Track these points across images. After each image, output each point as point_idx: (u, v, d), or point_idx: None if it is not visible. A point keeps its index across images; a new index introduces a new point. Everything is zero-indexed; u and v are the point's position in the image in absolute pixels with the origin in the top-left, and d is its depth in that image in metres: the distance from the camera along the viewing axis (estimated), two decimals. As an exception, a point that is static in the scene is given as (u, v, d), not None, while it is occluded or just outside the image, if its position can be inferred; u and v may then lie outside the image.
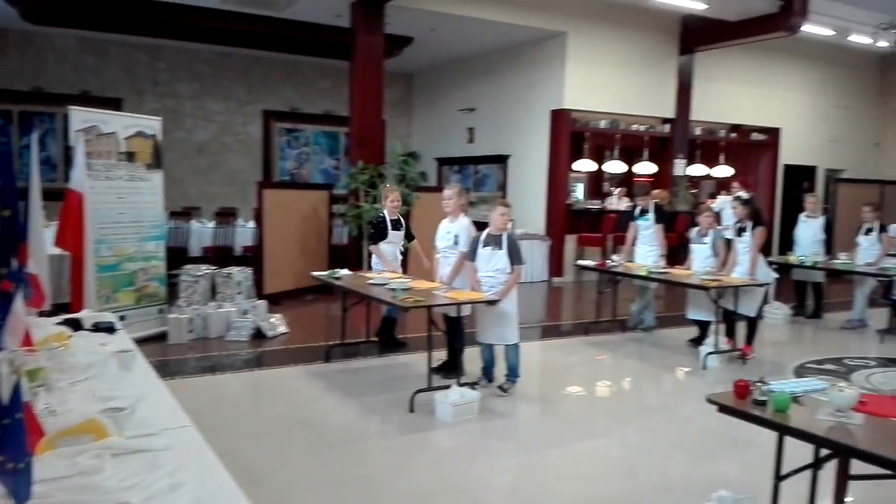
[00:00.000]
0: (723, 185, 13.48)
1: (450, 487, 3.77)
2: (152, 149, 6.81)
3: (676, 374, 6.31)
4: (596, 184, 13.49)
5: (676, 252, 9.73)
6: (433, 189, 10.27)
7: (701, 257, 7.10)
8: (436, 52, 12.83)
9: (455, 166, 14.08)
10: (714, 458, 4.32)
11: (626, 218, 8.02)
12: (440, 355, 5.83)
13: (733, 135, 13.44)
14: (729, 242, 7.08)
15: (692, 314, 6.97)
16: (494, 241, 5.27)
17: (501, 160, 12.64)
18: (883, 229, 8.26)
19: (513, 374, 5.38)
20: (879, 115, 14.54)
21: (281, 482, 3.77)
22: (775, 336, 7.98)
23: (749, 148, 13.72)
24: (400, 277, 5.79)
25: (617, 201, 12.46)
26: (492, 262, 5.24)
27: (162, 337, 6.69)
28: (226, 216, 10.37)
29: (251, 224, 10.26)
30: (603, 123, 11.96)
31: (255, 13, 10.32)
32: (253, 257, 9.24)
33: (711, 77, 12.49)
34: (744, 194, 8.45)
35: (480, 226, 5.51)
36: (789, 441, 2.59)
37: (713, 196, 13.22)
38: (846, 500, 3.13)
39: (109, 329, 3.24)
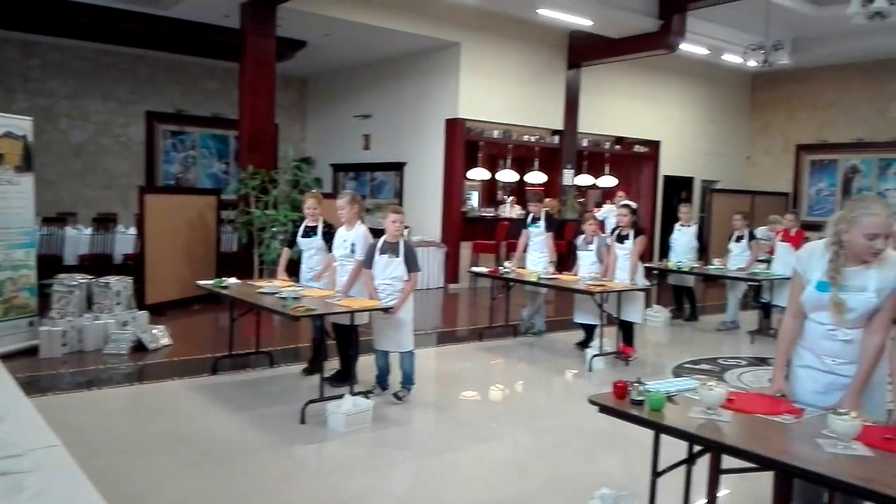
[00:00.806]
0: (608, 195, 14.09)
1: (341, 498, 3.72)
2: (22, 150, 6.34)
3: (564, 377, 6.51)
4: (490, 192, 13.77)
5: (566, 258, 10.10)
6: (328, 196, 10.12)
7: (587, 263, 7.37)
8: (330, 57, 12.70)
9: (351, 173, 13.98)
10: (599, 457, 4.49)
11: (519, 225, 8.22)
12: (334, 364, 5.78)
13: (617, 147, 14.08)
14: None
15: (578, 318, 7.23)
16: (391, 249, 5.26)
17: (398, 167, 12.67)
18: (752, 236, 8.87)
19: (408, 381, 5.37)
20: (750, 130, 15.64)
21: (165, 502, 3.59)
22: (656, 338, 8.39)
23: (632, 159, 14.41)
24: (292, 286, 5.67)
25: (510, 209, 12.76)
26: (388, 270, 5.23)
27: (33, 351, 6.24)
28: (105, 222, 9.84)
29: (132, 231, 9.76)
30: (496, 133, 12.22)
31: (139, 10, 9.86)
32: (134, 266, 8.79)
33: (597, 91, 13.03)
34: (631, 203, 8.86)
35: (378, 233, 5.48)
36: (667, 439, 2.71)
37: (599, 205, 13.80)
38: (720, 493, 3.33)
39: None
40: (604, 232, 8.84)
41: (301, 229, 5.98)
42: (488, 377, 6.55)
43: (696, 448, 2.88)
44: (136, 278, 7.68)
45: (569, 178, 12.95)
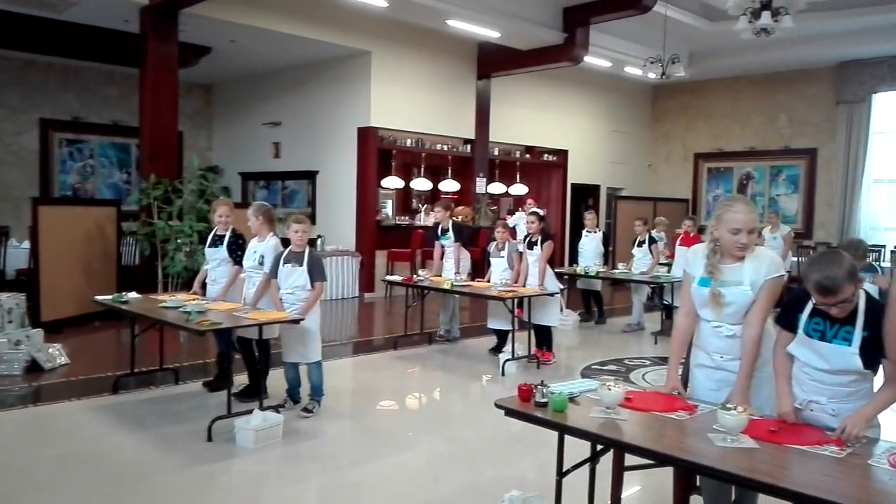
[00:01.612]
0: (519, 203, 14.38)
1: (250, 516, 3.63)
2: None
3: (479, 383, 6.59)
4: (405, 200, 13.79)
5: (480, 265, 10.23)
6: (238, 205, 9.88)
7: (499, 270, 7.50)
8: (237, 64, 12.43)
9: (261, 182, 13.69)
10: (512, 460, 4.56)
11: (433, 234, 8.28)
12: (243, 379, 5.64)
13: (527, 156, 14.40)
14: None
15: (491, 324, 7.35)
16: (295, 259, 5.19)
17: (310, 176, 12.51)
18: (653, 241, 9.25)
19: (316, 393, 5.30)
20: (651, 140, 16.32)
21: (56, 530, 3.40)
22: (566, 341, 8.60)
23: (541, 168, 14.77)
24: (198, 299, 5.50)
25: (425, 217, 12.82)
26: (291, 279, 5.15)
27: (-89, 376, 5.80)
28: (-6, 236, 9.25)
29: (26, 244, 9.21)
30: (409, 142, 12.27)
31: (31, 13, 9.35)
32: (28, 281, 8.30)
33: (507, 101, 13.29)
34: (539, 210, 9.08)
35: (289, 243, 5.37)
36: (577, 439, 2.79)
37: (511, 212, 14.06)
38: (631, 490, 3.45)
39: None
40: (516, 239, 9.03)
41: (209, 238, 5.81)
42: (404, 386, 6.55)
43: (599, 447, 2.98)
44: (31, 294, 7.26)
45: (481, 186, 13.14)
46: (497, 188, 14.09)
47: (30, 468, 4.14)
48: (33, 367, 6.22)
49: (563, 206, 14.78)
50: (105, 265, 8.71)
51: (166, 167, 9.06)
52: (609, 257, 10.08)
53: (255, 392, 5.16)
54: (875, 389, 2.64)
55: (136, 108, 9.64)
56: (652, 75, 11.09)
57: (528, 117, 13.85)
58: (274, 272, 5.19)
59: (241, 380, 5.64)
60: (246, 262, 5.48)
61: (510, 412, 2.90)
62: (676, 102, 15.73)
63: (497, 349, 7.30)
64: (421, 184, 13.06)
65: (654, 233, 9.98)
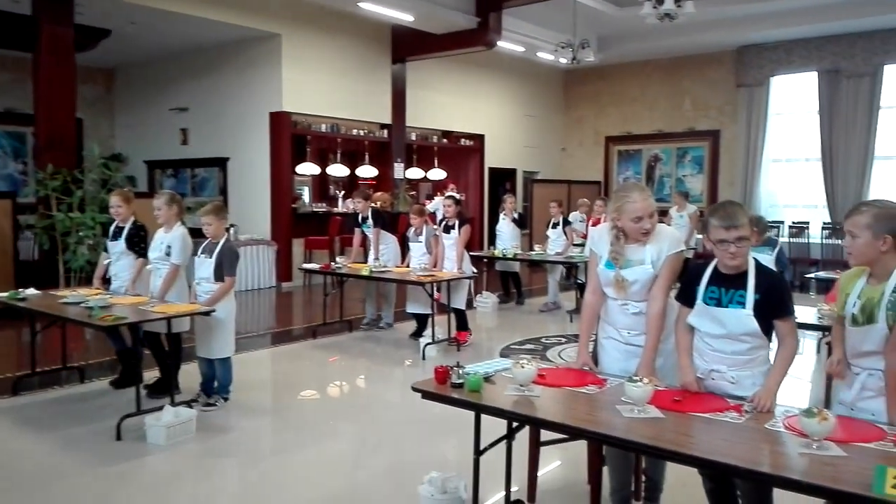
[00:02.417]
0: (439, 187, 14.42)
1: (164, 514, 3.51)
2: None
3: (400, 368, 6.59)
4: (321, 187, 13.58)
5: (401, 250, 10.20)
6: (143, 195, 9.49)
7: (417, 254, 7.52)
8: (140, 47, 11.87)
9: (169, 170, 13.18)
10: (433, 442, 4.59)
11: (353, 221, 8.21)
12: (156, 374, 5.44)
13: (445, 140, 14.43)
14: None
15: (411, 308, 7.37)
16: (209, 249, 5.03)
17: (221, 163, 12.13)
18: (567, 222, 9.47)
19: (223, 390, 5.15)
20: (564, 124, 16.65)
21: (-50, 543, 3.20)
22: (486, 322, 8.73)
23: (459, 152, 14.83)
24: (100, 293, 5.25)
25: (343, 204, 12.67)
26: (200, 270, 5.00)
27: None
28: None
29: None
30: (324, 127, 12.07)
31: None
32: (-87, 281, 7.72)
33: (423, 86, 13.25)
34: (456, 194, 9.13)
35: (200, 233, 5.19)
36: (495, 419, 2.82)
37: (430, 197, 14.10)
38: (551, 465, 3.54)
39: None
40: (436, 223, 9.05)
41: (110, 231, 5.55)
42: (324, 375, 6.48)
43: (515, 424, 3.03)
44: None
45: (399, 171, 13.09)
46: (415, 173, 14.07)
47: (-81, 479, 3.87)
48: (-79, 372, 5.81)
49: (481, 190, 14.91)
50: (1, 261, 8.20)
51: (65, 156, 8.59)
52: (526, 239, 10.26)
53: (166, 387, 4.98)
54: (771, 359, 2.79)
55: (31, 95, 9.07)
56: (563, 60, 11.28)
57: (445, 102, 13.86)
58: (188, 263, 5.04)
59: (152, 374, 5.43)
60: (152, 254, 5.27)
61: (427, 395, 2.92)
62: (587, 87, 16.08)
63: (417, 333, 7.32)
64: (338, 170, 12.89)
65: (574, 215, 10.24)
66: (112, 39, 10.81)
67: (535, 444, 3.50)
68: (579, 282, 9.17)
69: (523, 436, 3.29)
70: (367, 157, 13.13)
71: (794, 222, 13.26)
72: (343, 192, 13.01)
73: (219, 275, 4.96)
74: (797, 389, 5.38)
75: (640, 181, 15.27)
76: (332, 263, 7.78)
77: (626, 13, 11.78)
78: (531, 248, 10.05)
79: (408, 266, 7.56)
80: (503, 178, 15.42)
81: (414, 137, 13.67)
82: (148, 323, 4.65)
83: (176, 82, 12.64)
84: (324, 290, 7.98)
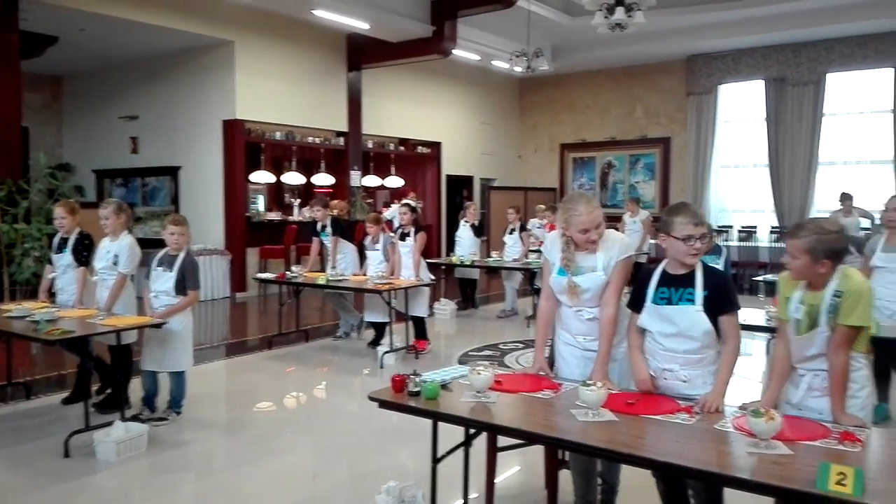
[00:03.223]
0: (396, 195, 14.40)
1: (114, 533, 3.42)
2: None
3: (358, 377, 6.55)
4: (276, 195, 13.43)
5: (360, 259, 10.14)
6: (92, 205, 9.26)
7: (375, 262, 7.49)
8: (89, 54, 11.60)
9: (119, 179, 12.88)
10: (391, 451, 4.57)
11: (310, 230, 8.13)
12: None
13: (401, 148, 14.43)
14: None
15: (368, 317, 7.32)
16: (168, 262, 4.92)
17: (172, 172, 11.91)
18: (523, 228, 9.55)
19: (176, 402, 5.02)
20: (520, 131, 16.81)
21: None
22: (445, 329, 8.74)
23: (416, 160, 14.85)
24: (47, 307, 5.10)
25: (299, 212, 12.55)
26: (158, 283, 4.88)
27: None
28: None
29: None
30: (279, 135, 11.95)
31: None
32: None
33: (380, 93, 13.24)
34: (412, 202, 9.12)
35: (152, 243, 5.08)
36: (451, 426, 2.82)
37: (387, 205, 14.06)
38: (510, 471, 3.54)
39: None
40: (393, 231, 9.02)
41: (54, 243, 5.40)
42: (281, 386, 6.39)
43: (472, 431, 3.04)
44: None
45: (356, 179, 13.03)
46: (372, 181, 14.03)
47: None
48: None
49: (439, 198, 14.94)
50: (-60, 275, 7.91)
51: (9, 166, 8.33)
52: (484, 246, 10.33)
53: (115, 402, 4.85)
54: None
55: (-28, 102, 8.78)
56: (518, 69, 11.40)
57: (402, 110, 13.87)
58: (147, 272, 4.93)
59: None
60: (98, 264, 5.13)
61: (384, 404, 2.90)
62: (542, 95, 16.27)
63: (375, 342, 7.29)
64: (293, 178, 12.76)
65: (533, 221, 10.33)
66: (59, 46, 10.55)
67: (493, 450, 3.50)
68: (537, 287, 9.25)
69: (482, 442, 3.30)
70: (322, 164, 13.05)
71: (742, 226, 13.61)
72: (299, 201, 12.89)
73: (181, 288, 4.86)
74: (747, 390, 5.51)
75: (594, 188, 15.51)
76: (288, 273, 7.68)
77: (579, 23, 11.98)
78: (488, 255, 10.11)
79: (365, 274, 7.52)
80: (460, 186, 15.48)
81: (370, 145, 13.64)
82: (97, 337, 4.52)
83: (126, 90, 12.38)
84: (279, 300, 7.88)
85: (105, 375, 5.28)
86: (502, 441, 3.49)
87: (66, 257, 5.24)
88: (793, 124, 12.97)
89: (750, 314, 4.57)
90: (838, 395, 2.53)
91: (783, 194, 13.13)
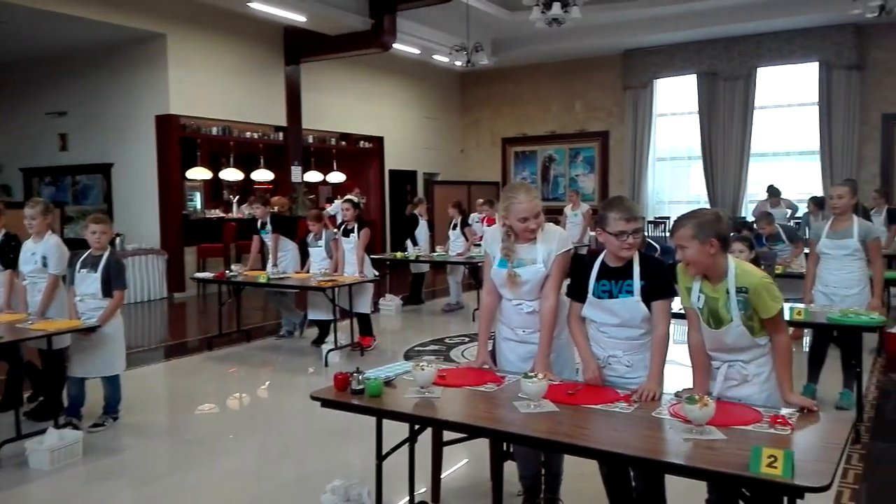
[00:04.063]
0: (338, 191, 14.27)
1: (47, 546, 3.29)
2: None
3: (303, 376, 6.47)
4: (214, 192, 13.14)
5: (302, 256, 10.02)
6: (19, 204, 8.86)
7: (318, 259, 7.40)
8: (12, 48, 11.09)
9: (47, 178, 12.38)
10: (337, 450, 4.53)
11: (251, 227, 7.98)
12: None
13: (343, 143, 14.29)
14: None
15: (312, 315, 7.24)
16: (92, 263, 4.75)
17: (104, 169, 11.51)
18: (465, 223, 9.59)
19: (111, 409, 4.87)
20: (462, 126, 16.86)
21: None
22: (391, 325, 8.71)
23: (358, 155, 14.74)
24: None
25: (238, 209, 12.31)
26: (83, 286, 4.71)
27: None
28: None
29: None
30: (215, 130, 11.69)
31: None
32: None
33: (319, 88, 13.07)
34: (354, 197, 9.05)
35: (84, 244, 4.88)
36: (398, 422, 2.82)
37: (330, 201, 13.92)
38: (454, 465, 3.56)
39: None
40: (337, 227, 8.94)
41: None
42: (223, 388, 6.25)
43: (417, 426, 3.04)
44: None
45: (297, 174, 12.85)
46: (314, 176, 13.86)
47: None
48: None
49: (382, 193, 14.86)
50: None
51: (-75, 164, 7.91)
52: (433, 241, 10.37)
53: (49, 409, 4.67)
54: None
55: None
56: (458, 63, 11.43)
57: (343, 104, 13.73)
58: (72, 277, 4.73)
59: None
60: (25, 267, 4.92)
61: (326, 403, 2.87)
62: (483, 90, 16.35)
63: (319, 340, 7.21)
64: (231, 174, 12.50)
65: (475, 214, 10.38)
66: (-22, 39, 10.07)
67: (438, 445, 3.51)
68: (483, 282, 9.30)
69: (428, 437, 3.30)
70: (262, 160, 12.82)
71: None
72: (237, 197, 12.64)
73: (107, 289, 4.70)
74: (685, 377, 5.67)
75: (536, 181, 15.69)
76: (227, 271, 7.52)
77: (518, 17, 12.06)
78: (433, 250, 10.12)
79: (307, 272, 7.43)
80: (404, 180, 15.43)
81: (311, 140, 13.46)
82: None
83: (53, 85, 11.89)
84: (219, 300, 7.71)
85: (37, 382, 5.08)
86: (448, 435, 3.50)
87: None
88: (725, 117, 13.39)
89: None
90: (786, 376, 2.62)
91: (717, 185, 13.54)
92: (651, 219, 13.86)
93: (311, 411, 5.20)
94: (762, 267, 3.53)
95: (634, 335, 2.89)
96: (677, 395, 2.72)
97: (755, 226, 7.70)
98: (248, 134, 12.16)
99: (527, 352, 3.16)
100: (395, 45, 11.73)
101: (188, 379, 6.49)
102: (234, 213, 12.19)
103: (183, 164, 11.31)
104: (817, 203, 9.19)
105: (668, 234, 13.24)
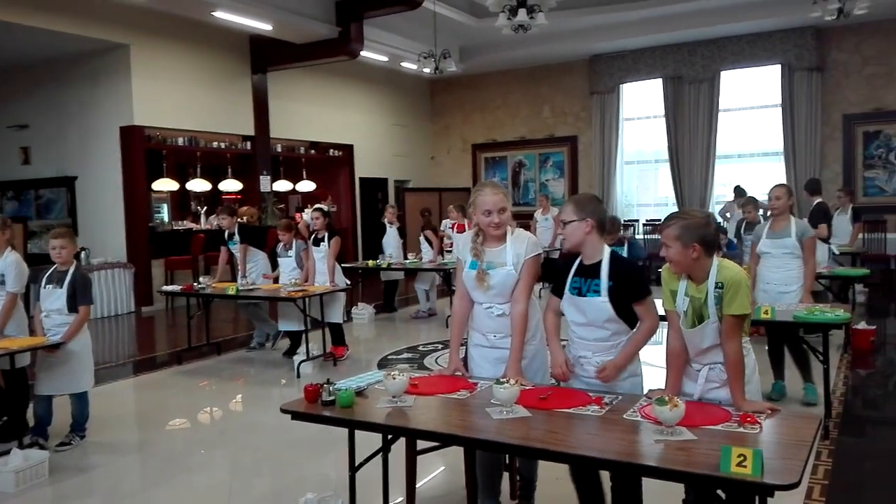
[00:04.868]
0: (308, 199, 14.15)
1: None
2: None
3: (275, 388, 6.39)
4: (181, 203, 12.96)
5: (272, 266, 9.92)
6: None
7: (287, 269, 7.33)
8: (-31, 60, 10.86)
9: (10, 192, 12.11)
10: (311, 461, 4.48)
11: (219, 238, 7.89)
12: None
13: (312, 151, 14.20)
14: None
15: (283, 326, 7.16)
16: (57, 278, 4.65)
17: (68, 182, 11.29)
18: (435, 230, 9.59)
19: (79, 428, 4.77)
20: (432, 132, 16.86)
21: None
22: (364, 334, 8.67)
23: (328, 163, 14.65)
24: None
25: (206, 220, 12.15)
26: (48, 301, 4.61)
27: None
28: None
29: None
30: (181, 141, 11.54)
31: None
32: None
33: (287, 96, 12.99)
34: (324, 206, 8.98)
35: (49, 259, 4.76)
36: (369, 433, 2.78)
37: (300, 210, 13.80)
38: (430, 473, 3.53)
39: None
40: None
41: None
42: (194, 402, 6.15)
43: (390, 436, 3.01)
44: None
45: (266, 184, 12.73)
46: (283, 185, 13.74)
47: None
48: None
49: (353, 201, 14.79)
50: None
51: None
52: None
53: (13, 429, 4.54)
54: None
55: None
56: (427, 70, 11.42)
57: (311, 112, 13.65)
58: (38, 293, 4.63)
59: None
60: (-17, 285, 4.80)
61: (297, 415, 2.83)
62: (453, 96, 16.38)
63: (291, 351, 7.13)
64: (199, 185, 12.33)
65: (446, 221, 10.38)
66: (-67, 51, 9.83)
67: (412, 454, 3.48)
68: (454, 288, 9.29)
69: (402, 446, 3.27)
70: (229, 170, 12.68)
71: (647, 220, 14.13)
72: (205, 208, 12.47)
73: (73, 305, 4.60)
74: (659, 378, 5.72)
75: (507, 186, 15.74)
76: (195, 284, 7.41)
77: (485, 24, 12.10)
78: (406, 257, 10.09)
79: (276, 282, 7.36)
80: (375, 188, 15.38)
81: (280, 149, 13.35)
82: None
83: (13, 98, 11.65)
84: (187, 313, 7.60)
85: (0, 401, 4.94)
86: (422, 443, 3.48)
87: None
88: (690, 120, 13.57)
89: (658, 304, 4.74)
90: (736, 383, 2.61)
91: (684, 188, 13.71)
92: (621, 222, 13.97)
93: (284, 424, 5.13)
94: None
95: (602, 336, 2.90)
96: (648, 396, 2.73)
97: (743, 211, 8.11)
98: (215, 144, 12.02)
99: (497, 358, 3.16)
100: (362, 53, 11.70)
101: (158, 394, 6.38)
102: (202, 225, 12.02)
103: (149, 176, 11.13)
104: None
105: (636, 237, 13.40)
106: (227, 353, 7.58)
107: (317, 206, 8.24)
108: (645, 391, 2.90)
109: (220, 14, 9.81)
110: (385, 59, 13.03)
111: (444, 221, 10.49)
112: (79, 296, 4.61)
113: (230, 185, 12.53)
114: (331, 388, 2.82)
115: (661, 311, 2.91)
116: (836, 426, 4.62)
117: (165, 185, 11.67)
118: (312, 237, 7.34)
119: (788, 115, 12.75)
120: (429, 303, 9.61)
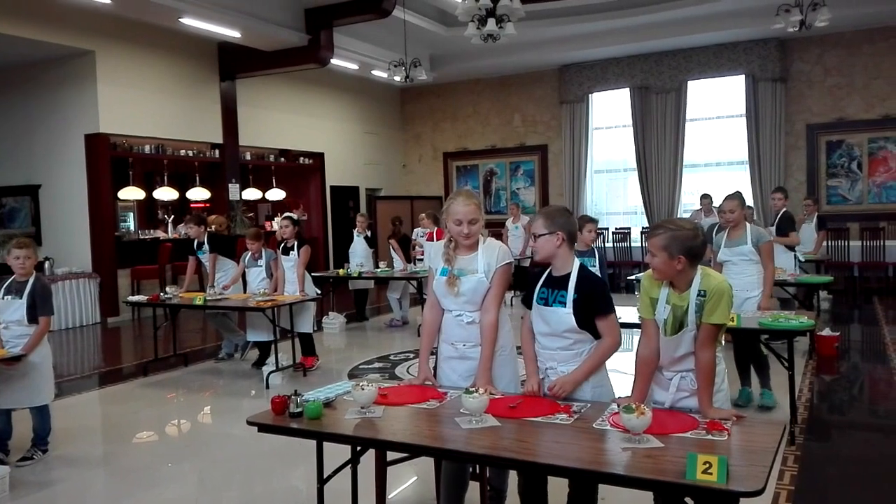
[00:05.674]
0: (279, 208, 14.05)
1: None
2: None
3: (244, 400, 6.31)
4: (148, 212, 12.78)
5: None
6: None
7: (256, 279, 7.25)
8: (-73, 66, 10.59)
9: (-30, 201, 11.82)
10: (281, 473, 4.42)
11: (187, 247, 7.78)
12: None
13: (282, 159, 14.10)
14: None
15: (251, 336, 7.08)
16: (17, 289, 4.54)
17: (31, 191, 11.06)
18: (406, 239, 9.58)
19: (41, 441, 4.65)
20: (404, 140, 16.85)
21: None
22: (334, 344, 8.60)
23: (298, 171, 14.55)
24: None
25: (173, 229, 11.99)
26: (7, 312, 4.50)
27: None
28: None
29: None
30: (148, 149, 11.37)
31: None
32: None
33: (256, 104, 12.89)
34: (294, 214, 8.91)
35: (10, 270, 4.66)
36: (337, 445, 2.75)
37: (270, 219, 13.70)
38: (402, 484, 3.50)
39: None
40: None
41: None
42: (161, 414, 6.04)
43: (359, 447, 2.98)
44: None
45: (235, 192, 12.61)
46: (253, 194, 13.62)
47: None
48: None
49: (324, 209, 14.71)
50: None
51: None
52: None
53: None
54: None
55: None
56: (397, 78, 11.42)
57: (281, 120, 13.55)
58: None
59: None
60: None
61: (263, 427, 2.79)
62: (424, 105, 16.40)
63: (260, 362, 7.05)
64: (166, 193, 12.17)
65: (418, 229, 10.40)
66: None
67: (382, 465, 3.45)
68: (426, 297, 9.27)
69: (372, 457, 3.24)
70: (197, 178, 12.53)
71: (617, 228, 14.27)
72: (173, 217, 12.30)
73: (33, 316, 4.50)
74: (627, 385, 5.76)
75: (479, 195, 15.78)
76: (162, 294, 7.29)
77: (455, 33, 12.14)
78: (376, 266, 10.06)
79: (244, 292, 7.28)
80: (346, 196, 15.31)
81: (249, 157, 13.24)
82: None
83: (-27, 104, 11.39)
84: (154, 323, 7.47)
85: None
86: (393, 454, 3.45)
87: None
88: (658, 130, 13.74)
89: (626, 312, 4.77)
90: (706, 391, 2.63)
91: (652, 196, 13.87)
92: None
93: (253, 436, 5.06)
94: None
95: (564, 345, 2.92)
96: (616, 401, 2.74)
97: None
98: (182, 152, 11.88)
99: (466, 369, 3.15)
100: (333, 61, 11.66)
101: (123, 406, 6.25)
102: (170, 234, 11.86)
103: (115, 184, 10.97)
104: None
105: (606, 245, 13.53)
106: (194, 364, 7.47)
107: (286, 214, 8.17)
108: (615, 396, 2.92)
109: (187, 21, 9.71)
110: (355, 67, 13.01)
111: (415, 230, 10.49)
112: (39, 306, 4.52)
113: (198, 194, 12.39)
114: (298, 400, 2.79)
115: (635, 319, 2.93)
116: (801, 432, 4.69)
117: (132, 193, 11.50)
118: (282, 246, 7.27)
119: (753, 125, 12.98)
120: (402, 311, 9.58)
